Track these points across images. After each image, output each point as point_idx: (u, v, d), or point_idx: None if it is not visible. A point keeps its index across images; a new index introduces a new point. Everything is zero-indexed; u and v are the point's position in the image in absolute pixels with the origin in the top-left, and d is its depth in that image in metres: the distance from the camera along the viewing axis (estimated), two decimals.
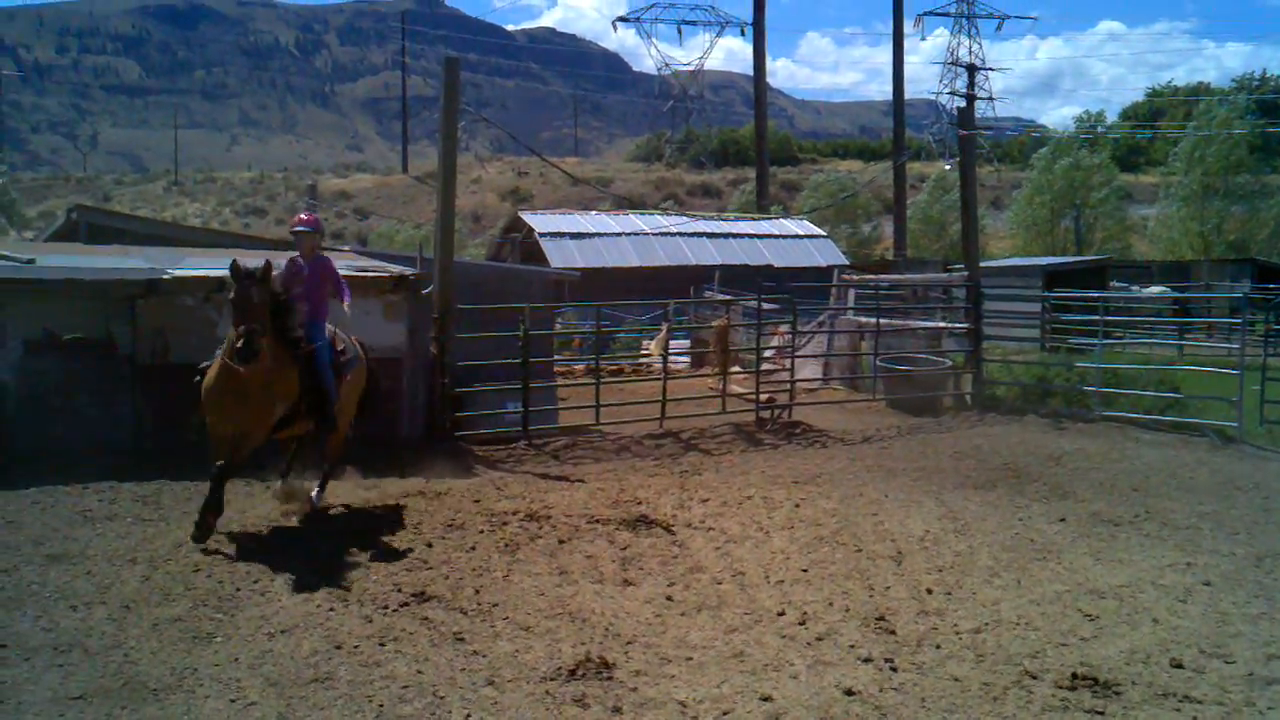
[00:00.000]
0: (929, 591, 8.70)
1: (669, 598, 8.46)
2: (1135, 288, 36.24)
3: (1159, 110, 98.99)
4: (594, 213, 46.31)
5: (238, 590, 8.31)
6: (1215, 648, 7.47)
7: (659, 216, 46.12)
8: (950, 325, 21.35)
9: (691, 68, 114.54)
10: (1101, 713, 6.37)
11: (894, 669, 7.04)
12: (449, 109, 15.61)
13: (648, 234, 41.06)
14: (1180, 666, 7.12)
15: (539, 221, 41.80)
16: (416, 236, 52.07)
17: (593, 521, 10.77)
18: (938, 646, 7.46)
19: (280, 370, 9.85)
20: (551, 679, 6.75)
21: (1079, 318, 23.69)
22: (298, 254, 10.64)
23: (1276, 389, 17.16)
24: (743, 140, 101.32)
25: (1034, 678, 6.90)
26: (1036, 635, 7.70)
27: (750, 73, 57.89)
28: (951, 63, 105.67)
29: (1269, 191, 59.92)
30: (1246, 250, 52.60)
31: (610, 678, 6.78)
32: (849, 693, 6.61)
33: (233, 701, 6.33)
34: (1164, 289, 35.76)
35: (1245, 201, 57.43)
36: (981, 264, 22.46)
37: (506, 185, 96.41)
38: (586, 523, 10.71)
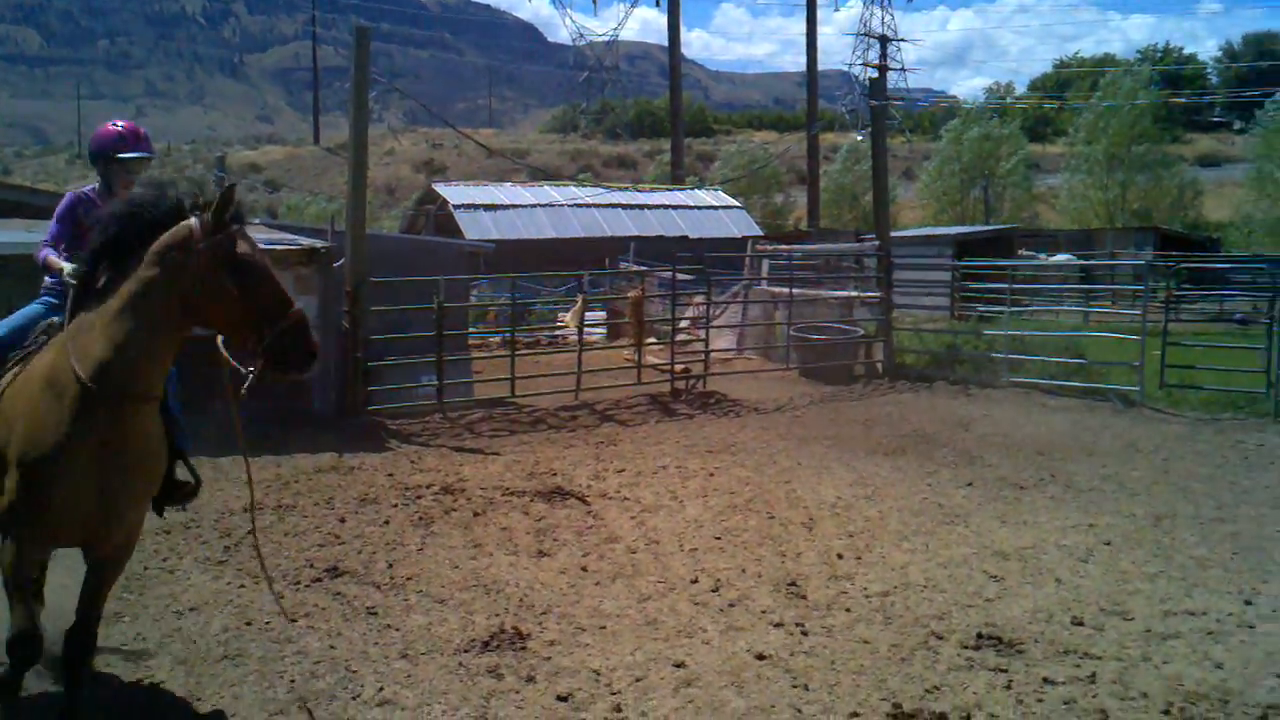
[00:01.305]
0: (839, 556, 8.84)
1: (584, 568, 8.50)
2: (1042, 256, 36.91)
3: (1067, 81, 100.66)
4: (509, 184, 45.96)
5: (145, 569, 8.20)
6: (1115, 605, 7.68)
7: (574, 188, 45.93)
8: (862, 294, 21.59)
9: (607, 38, 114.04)
10: (1005, 670, 6.52)
11: (805, 633, 7.14)
12: (360, 79, 15.43)
13: (563, 205, 40.88)
14: (1081, 624, 7.31)
15: (453, 193, 41.41)
16: (328, 209, 51.38)
17: (508, 494, 10.78)
18: (847, 610, 7.59)
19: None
20: (465, 650, 6.76)
21: (988, 286, 24.11)
22: (96, 189, 6.42)
23: (1176, 354, 17.61)
24: (658, 111, 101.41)
25: (940, 638, 7.05)
26: (943, 597, 7.86)
27: (665, 43, 57.74)
28: (864, 34, 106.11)
29: (1170, 161, 61.38)
30: (1149, 219, 53.84)
31: (524, 648, 6.81)
32: (760, 657, 6.71)
33: (141, 681, 6.26)
34: (1070, 257, 36.50)
35: (1148, 171, 58.78)
36: (892, 233, 22.73)
37: (420, 157, 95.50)
38: (502, 495, 10.73)
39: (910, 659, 6.72)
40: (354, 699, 6.08)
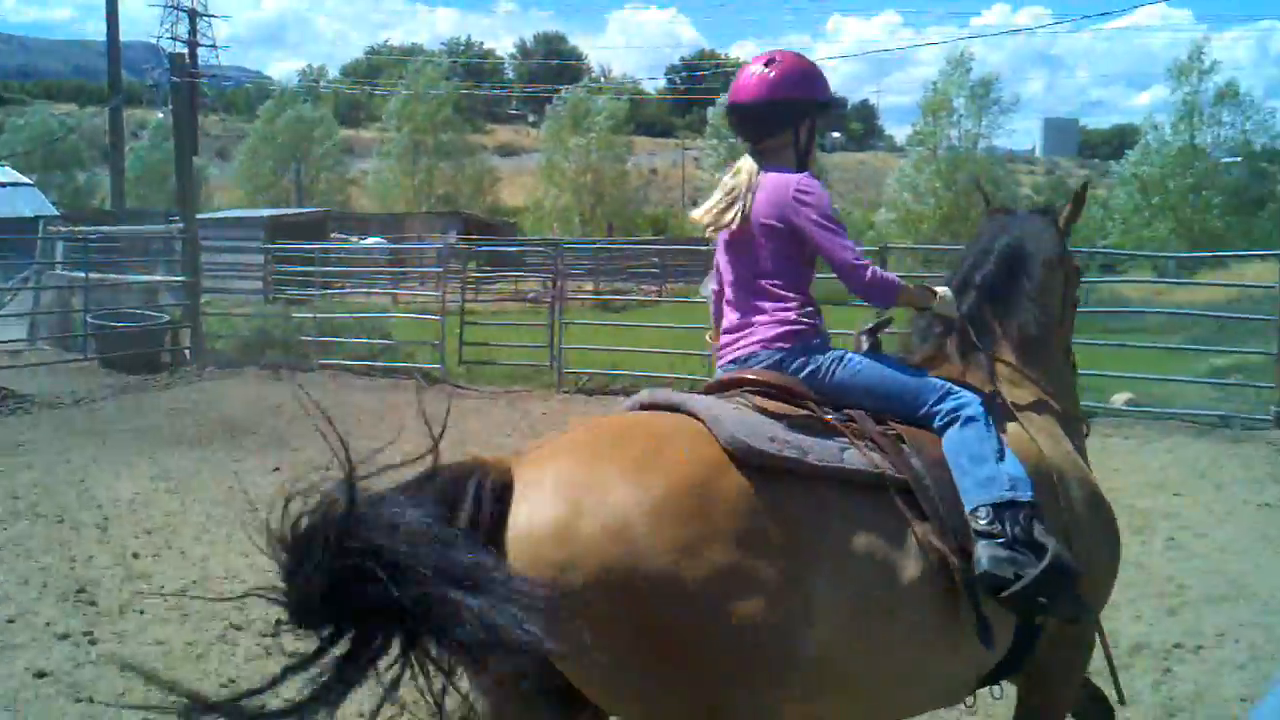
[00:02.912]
0: (135, 556, 8.43)
1: None
2: (354, 239, 37.72)
3: (378, 68, 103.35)
4: None
5: None
6: None
7: None
8: (167, 279, 20.77)
9: None
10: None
11: (92, 642, 6.73)
12: None
13: None
14: None
15: None
16: None
17: None
18: (141, 612, 7.26)
19: None
20: None
21: (300, 269, 24.23)
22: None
23: (475, 332, 18.79)
24: None
25: (239, 629, 6.97)
26: (243, 588, 7.77)
27: None
28: (172, 6, 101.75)
29: (473, 149, 65.44)
30: (455, 204, 56.96)
31: None
32: (40, 675, 6.23)
33: None
34: (380, 240, 37.65)
35: (452, 158, 62.25)
36: (203, 215, 22.10)
37: None
38: None
39: (206, 655, 6.57)
40: None
